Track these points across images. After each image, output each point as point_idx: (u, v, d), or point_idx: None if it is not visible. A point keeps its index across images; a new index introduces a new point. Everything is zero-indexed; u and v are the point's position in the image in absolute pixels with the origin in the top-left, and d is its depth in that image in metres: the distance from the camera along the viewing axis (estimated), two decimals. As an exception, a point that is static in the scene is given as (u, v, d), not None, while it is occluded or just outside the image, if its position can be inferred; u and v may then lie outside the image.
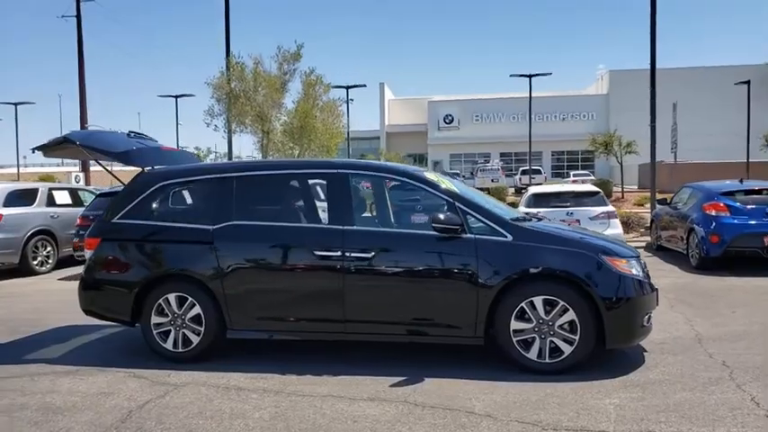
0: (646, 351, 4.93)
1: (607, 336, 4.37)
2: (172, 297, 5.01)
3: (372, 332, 4.78)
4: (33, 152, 6.15)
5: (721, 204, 9.16)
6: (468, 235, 4.57)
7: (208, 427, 3.68)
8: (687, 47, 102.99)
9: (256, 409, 3.95)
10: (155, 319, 5.05)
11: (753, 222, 8.85)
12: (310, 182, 5.35)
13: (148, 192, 5.30)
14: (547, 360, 4.43)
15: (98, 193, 12.18)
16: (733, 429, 3.42)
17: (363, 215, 5.74)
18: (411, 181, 4.99)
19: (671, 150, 15.13)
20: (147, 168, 5.53)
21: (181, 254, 5.08)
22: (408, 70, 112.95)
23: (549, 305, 4.41)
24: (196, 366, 4.86)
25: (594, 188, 10.63)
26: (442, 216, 4.53)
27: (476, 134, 49.13)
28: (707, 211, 9.25)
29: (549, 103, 46.57)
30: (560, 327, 4.41)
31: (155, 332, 5.06)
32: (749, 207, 9.04)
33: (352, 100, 34.99)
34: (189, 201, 5.43)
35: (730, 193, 9.31)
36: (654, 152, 14.10)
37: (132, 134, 6.05)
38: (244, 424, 3.71)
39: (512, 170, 43.02)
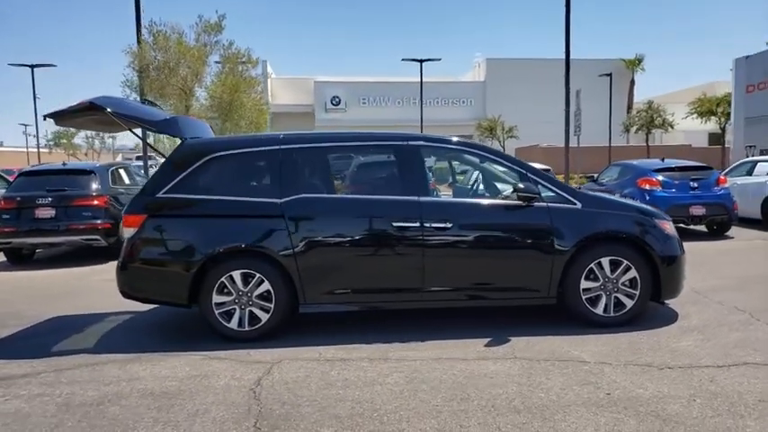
0: (666, 305, 5.60)
1: (663, 290, 4.95)
2: (236, 274, 4.83)
3: (451, 299, 4.97)
4: (45, 119, 5.48)
5: (654, 179, 10.38)
6: (542, 203, 4.91)
7: (353, 396, 3.69)
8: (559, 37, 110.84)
9: (383, 375, 4.01)
10: (216, 299, 4.84)
11: (680, 195, 10.14)
12: (381, 154, 5.35)
13: (198, 164, 5.02)
14: (612, 314, 4.92)
15: (22, 171, 10.90)
16: (799, 357, 4.11)
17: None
18: (486, 154, 5.21)
19: (574, 134, 16.72)
20: (189, 139, 5.22)
21: (246, 229, 4.89)
22: (295, 52, 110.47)
23: (614, 265, 4.90)
24: (263, 344, 4.74)
25: None
26: (522, 185, 4.82)
27: (363, 117, 49.48)
28: (642, 186, 10.42)
29: (431, 89, 48.20)
30: (623, 284, 4.91)
31: (216, 312, 4.85)
32: (676, 182, 10.33)
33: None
34: (244, 173, 5.19)
35: (660, 170, 10.56)
36: (568, 136, 15.41)
37: (146, 102, 5.64)
38: (387, 389, 3.77)
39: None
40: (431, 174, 5.78)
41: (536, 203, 4.89)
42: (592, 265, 4.89)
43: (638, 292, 4.91)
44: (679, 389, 3.59)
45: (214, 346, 4.77)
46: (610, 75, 36.38)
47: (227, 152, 5.10)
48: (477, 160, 5.40)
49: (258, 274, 4.83)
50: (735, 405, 3.33)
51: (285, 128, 47.84)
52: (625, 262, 4.89)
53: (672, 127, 34.31)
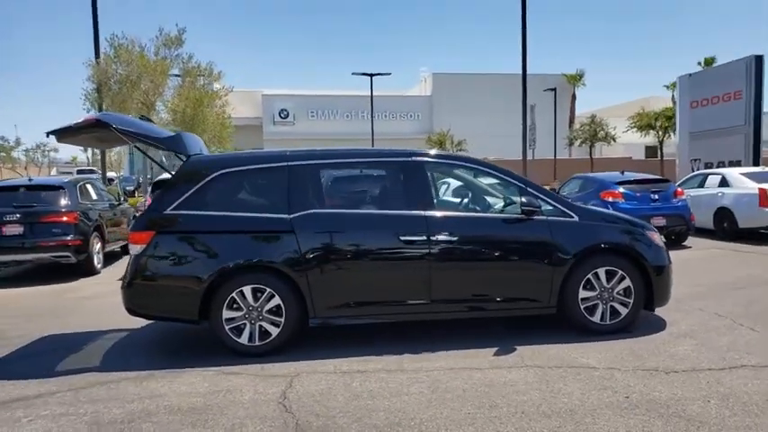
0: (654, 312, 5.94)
1: (655, 298, 5.27)
2: (247, 289, 4.85)
3: (457, 311, 5.14)
4: (48, 136, 5.34)
5: (617, 192, 10.92)
6: (542, 217, 5.15)
7: (384, 406, 3.78)
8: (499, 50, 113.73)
9: (405, 386, 4.12)
10: (226, 314, 4.84)
11: (642, 207, 10.70)
12: (386, 170, 5.46)
13: (206, 180, 5.02)
14: (608, 322, 5.20)
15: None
16: (784, 357, 4.47)
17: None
18: (485, 169, 5.42)
19: (529, 147, 17.32)
20: (194, 155, 5.22)
21: (256, 244, 4.93)
22: (240, 64, 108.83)
23: (610, 275, 5.19)
24: (275, 359, 4.77)
25: None
26: (525, 199, 5.06)
27: (312, 130, 49.43)
28: (605, 198, 10.93)
29: (380, 103, 48.66)
30: (618, 293, 5.20)
31: (227, 327, 4.84)
32: (637, 194, 10.90)
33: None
34: (252, 190, 5.21)
35: (622, 183, 11.12)
36: (525, 149, 15.95)
37: (144, 119, 5.61)
38: (414, 399, 3.88)
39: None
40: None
41: (537, 217, 5.13)
42: (589, 275, 5.15)
43: (632, 301, 5.20)
44: (691, 391, 3.86)
45: (225, 361, 4.76)
46: (554, 90, 37.81)
47: (235, 169, 5.13)
48: (479, 175, 5.60)
49: (268, 289, 4.86)
50: (747, 405, 3.61)
51: (234, 141, 47.38)
52: (620, 272, 5.18)
53: (614, 140, 35.87)
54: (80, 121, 4.99)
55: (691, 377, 4.12)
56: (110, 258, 11.11)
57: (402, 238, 4.97)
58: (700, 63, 50.81)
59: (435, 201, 5.23)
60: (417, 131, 48.22)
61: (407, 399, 3.89)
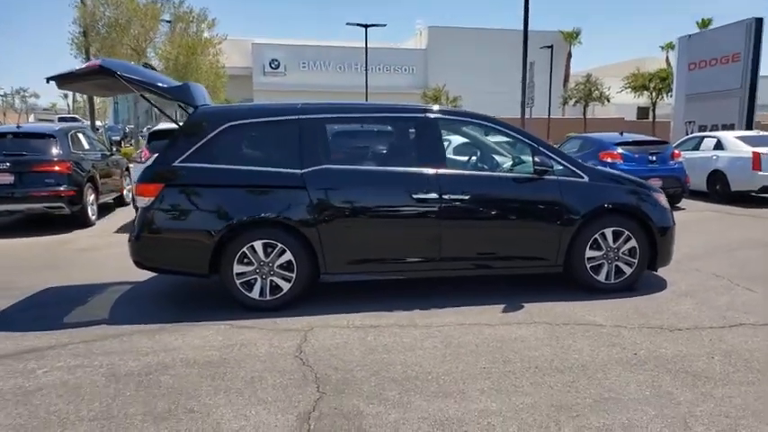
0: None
1: (659, 258, 5.36)
2: (258, 244, 4.85)
3: (466, 268, 5.19)
4: (48, 82, 5.20)
5: (616, 152, 10.95)
6: (553, 177, 5.17)
7: (400, 360, 3.86)
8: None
9: (418, 340, 4.19)
10: (237, 269, 4.85)
11: (640, 168, 10.75)
12: (399, 126, 5.41)
13: (215, 133, 4.95)
14: (612, 281, 5.29)
15: None
16: (784, 317, 4.60)
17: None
18: (498, 127, 5.39)
19: (527, 105, 17.29)
20: (201, 106, 5.12)
21: (268, 199, 4.90)
22: (229, 11, 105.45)
23: (616, 235, 5.25)
24: (286, 313, 4.82)
25: None
26: (537, 159, 5.06)
27: (303, 81, 48.66)
28: (603, 159, 10.95)
29: (373, 55, 47.86)
30: (623, 253, 5.28)
31: (238, 282, 4.86)
32: (636, 155, 10.94)
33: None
34: (263, 143, 5.14)
35: (620, 144, 11.14)
36: (524, 106, 15.84)
37: (147, 66, 5.47)
38: (428, 353, 3.96)
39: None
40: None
41: (548, 177, 5.14)
42: (596, 235, 5.21)
43: (636, 261, 5.29)
44: (695, 348, 3.98)
45: (235, 315, 4.79)
46: (551, 47, 37.39)
47: (245, 121, 5.05)
48: (490, 133, 5.58)
49: (280, 245, 4.86)
50: (749, 362, 3.74)
51: (220, 91, 46.52)
52: (626, 232, 5.25)
53: (608, 100, 35.81)
54: (82, 66, 4.86)
55: (694, 335, 4.24)
56: (103, 210, 11.02)
57: (414, 195, 4.97)
58: (698, 23, 50.32)
59: (447, 159, 5.20)
60: (411, 85, 47.69)
61: (422, 353, 3.97)
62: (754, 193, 11.44)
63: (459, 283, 5.54)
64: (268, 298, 4.91)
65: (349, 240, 4.96)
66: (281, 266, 4.90)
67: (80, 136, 10.82)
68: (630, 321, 4.55)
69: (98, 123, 37.63)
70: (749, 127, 15.74)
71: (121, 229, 9.43)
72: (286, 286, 4.92)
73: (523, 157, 5.32)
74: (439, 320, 4.63)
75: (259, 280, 4.89)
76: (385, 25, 39.60)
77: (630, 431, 2.91)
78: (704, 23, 52.39)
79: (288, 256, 4.88)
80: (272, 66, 49.51)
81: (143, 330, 4.52)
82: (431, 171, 5.02)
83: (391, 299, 5.17)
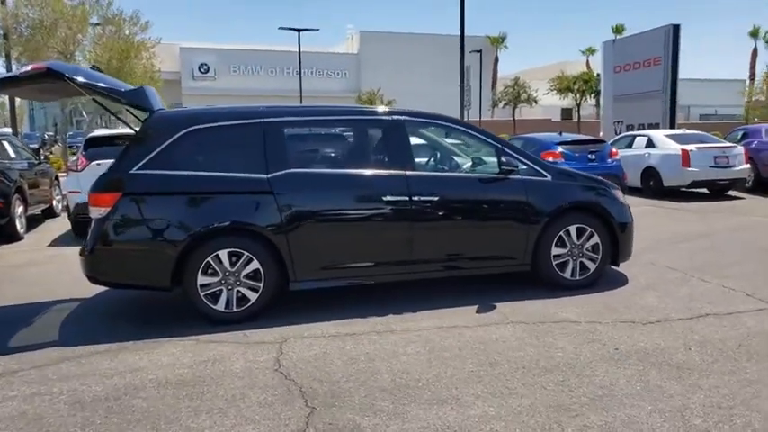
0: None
1: (620, 254, 5.50)
2: (223, 254, 4.61)
3: (437, 270, 5.14)
4: None
5: (557, 152, 11.25)
6: (518, 176, 5.20)
7: (385, 368, 3.74)
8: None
9: (399, 347, 4.09)
10: (201, 280, 4.60)
11: (580, 166, 11.04)
12: (366, 129, 5.28)
13: (174, 138, 4.67)
14: (577, 278, 5.39)
15: None
16: (741, 306, 4.81)
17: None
18: (461, 128, 5.38)
19: (465, 108, 17.54)
20: (159, 110, 4.83)
21: (232, 206, 4.67)
22: (156, 13, 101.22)
23: (580, 232, 5.35)
24: (254, 325, 4.60)
25: None
26: (504, 159, 5.08)
27: (234, 86, 47.58)
28: (545, 158, 11.18)
29: (306, 59, 47.54)
30: (587, 249, 5.39)
31: (202, 294, 4.61)
32: (576, 154, 11.29)
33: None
34: (225, 148, 4.88)
35: (561, 143, 11.46)
36: (462, 110, 16.07)
37: (95, 69, 5.12)
38: (413, 359, 3.87)
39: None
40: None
41: (513, 176, 5.17)
42: (561, 233, 5.29)
43: (599, 257, 5.41)
44: (670, 340, 4.08)
45: (199, 329, 4.53)
46: (480, 51, 38.27)
47: (206, 125, 4.80)
48: (453, 134, 5.56)
49: (246, 253, 4.64)
50: (723, 351, 3.87)
51: (163, 96, 44.67)
52: (589, 229, 5.36)
53: (536, 102, 37.00)
54: (27, 69, 4.48)
55: (665, 327, 4.36)
56: (32, 223, 10.30)
57: (384, 198, 4.87)
58: (612, 28, 53.01)
59: (415, 160, 5.14)
60: (345, 89, 47.59)
61: (406, 359, 3.87)
62: (684, 188, 12.06)
63: (427, 285, 5.47)
64: (235, 310, 4.67)
65: (319, 246, 4.80)
66: (247, 276, 4.68)
67: (5, 144, 10.07)
68: (603, 317, 4.63)
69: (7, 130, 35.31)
70: (672, 126, 16.66)
71: (56, 243, 8.83)
72: (253, 297, 4.70)
73: (487, 158, 5.33)
74: (416, 325, 4.55)
75: (225, 291, 4.65)
76: (318, 29, 39.26)
77: (632, 427, 2.92)
78: (618, 29, 55.35)
79: (255, 264, 4.67)
80: (202, 70, 48.19)
81: (101, 351, 4.19)
82: (400, 172, 4.95)
83: (361, 305, 5.04)
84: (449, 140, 5.86)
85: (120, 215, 4.51)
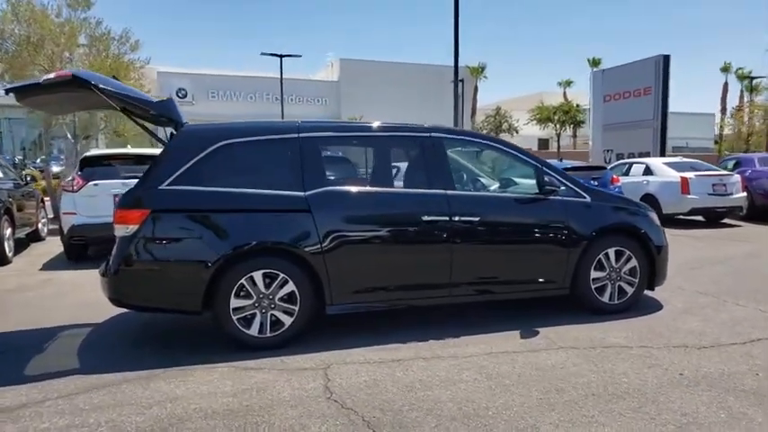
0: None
1: (657, 277, 5.38)
2: (258, 275, 4.36)
3: (475, 293, 4.94)
4: (7, 94, 4.45)
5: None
6: (558, 197, 5.08)
7: (447, 396, 3.51)
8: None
9: (454, 373, 3.87)
10: (234, 303, 4.33)
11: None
12: (405, 146, 5.11)
13: (206, 152, 4.44)
14: (615, 302, 5.24)
15: None
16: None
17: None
18: (501, 147, 5.25)
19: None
20: (189, 124, 4.61)
21: (268, 224, 4.43)
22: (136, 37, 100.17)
23: (618, 255, 5.22)
24: (289, 351, 4.34)
25: None
26: (547, 178, 4.95)
27: (213, 111, 47.01)
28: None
29: (285, 86, 47.57)
30: (625, 273, 5.26)
31: (234, 318, 4.33)
32: (581, 181, 11.25)
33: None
34: (259, 164, 4.66)
35: (566, 170, 11.42)
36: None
37: (115, 79, 4.89)
38: (473, 386, 3.65)
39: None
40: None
41: (554, 197, 5.04)
42: (600, 256, 5.16)
43: (637, 280, 5.28)
44: (733, 365, 3.93)
45: (231, 355, 4.25)
46: (462, 81, 38.69)
47: (239, 140, 4.58)
48: (497, 154, 5.42)
49: (282, 275, 4.40)
50: (793, 375, 3.74)
51: (126, 121, 44.09)
52: (627, 252, 5.23)
53: (517, 132, 37.46)
54: (50, 76, 4.21)
55: (722, 352, 4.22)
56: (17, 246, 9.83)
57: (424, 218, 4.69)
58: (589, 60, 54.35)
59: (454, 179, 4.98)
60: (325, 116, 47.51)
61: (465, 387, 3.65)
62: (682, 215, 12.14)
63: (460, 309, 5.28)
64: (268, 335, 4.40)
65: (357, 267, 4.58)
66: (282, 299, 4.42)
67: (-9, 163, 9.65)
68: (652, 341, 4.47)
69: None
70: (662, 154, 16.90)
71: (48, 267, 8.40)
72: (288, 321, 4.44)
73: (526, 178, 5.21)
74: (461, 350, 4.33)
75: (258, 315, 4.38)
76: (300, 56, 39.69)
77: (736, 457, 2.74)
78: (595, 62, 56.66)
79: (290, 286, 4.42)
80: (179, 95, 47.62)
81: (130, 379, 3.87)
82: (440, 191, 4.78)
83: (397, 329, 4.81)
84: (481, 159, 5.72)
85: (148, 233, 4.23)
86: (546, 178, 4.96)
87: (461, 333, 4.72)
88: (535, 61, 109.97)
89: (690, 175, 11.80)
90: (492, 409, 3.33)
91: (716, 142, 55.61)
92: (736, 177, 12.14)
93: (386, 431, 3.07)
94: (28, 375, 4.02)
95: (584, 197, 5.20)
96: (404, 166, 5.29)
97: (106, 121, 13.98)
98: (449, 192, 4.80)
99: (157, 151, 9.98)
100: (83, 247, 8.83)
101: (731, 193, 11.90)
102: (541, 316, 5.14)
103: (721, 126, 40.87)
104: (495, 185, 5.79)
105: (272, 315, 4.40)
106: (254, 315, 4.37)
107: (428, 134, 4.94)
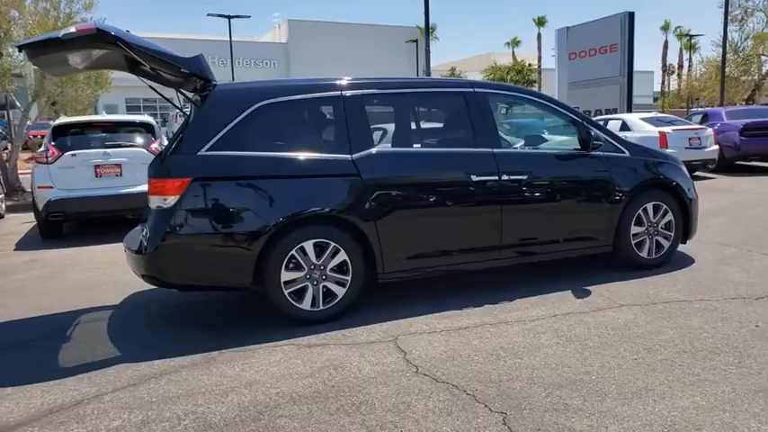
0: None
1: (691, 230, 5.38)
2: (309, 245, 4.06)
3: (524, 254, 4.80)
4: (20, 51, 3.89)
5: (546, 136, 11.18)
6: (601, 153, 4.95)
7: (535, 363, 3.37)
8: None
9: (532, 338, 3.73)
10: (285, 276, 4.03)
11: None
12: (449, 102, 4.81)
13: (245, 114, 4.06)
14: (653, 256, 5.22)
15: None
16: (826, 277, 4.80)
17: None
18: (544, 101, 5.04)
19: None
20: (222, 84, 4.20)
21: (317, 190, 4.12)
22: None
23: (656, 209, 5.18)
24: (347, 324, 4.11)
25: (145, 119, 8.73)
26: (593, 133, 4.80)
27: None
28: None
29: (234, 49, 45.78)
30: (662, 227, 5.22)
31: (286, 291, 4.04)
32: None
33: None
34: (302, 125, 4.30)
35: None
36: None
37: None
38: (560, 350, 3.52)
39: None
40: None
41: (597, 153, 4.91)
42: (639, 211, 5.09)
43: (672, 234, 5.26)
44: (802, 314, 3.96)
45: (283, 332, 3.98)
46: (416, 41, 38.24)
47: (279, 99, 4.20)
48: (539, 109, 5.21)
49: (333, 244, 4.12)
50: None
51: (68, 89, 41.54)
52: (664, 206, 5.19)
53: (472, 92, 37.46)
54: (72, 30, 3.69)
55: (781, 302, 4.24)
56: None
57: (474, 178, 4.47)
58: (534, 20, 54.75)
59: (500, 136, 4.76)
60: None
61: (552, 352, 3.52)
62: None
63: (500, 273, 5.11)
64: (322, 307, 4.14)
65: (409, 233, 4.34)
66: (334, 269, 4.15)
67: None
68: (707, 294, 4.46)
69: None
70: (629, 111, 17.16)
71: (23, 247, 7.76)
72: (341, 292, 4.18)
73: (569, 133, 5.05)
74: (525, 314, 4.20)
75: (310, 287, 4.10)
76: (249, 16, 37.91)
77: None
78: (540, 21, 57.32)
79: (342, 256, 4.15)
80: (120, 60, 45.14)
81: (186, 365, 3.55)
82: (487, 150, 4.56)
83: (446, 296, 4.63)
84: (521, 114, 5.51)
85: (191, 204, 3.85)
86: (592, 133, 4.81)
87: (513, 296, 4.58)
88: (484, 22, 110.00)
89: (667, 129, 12.01)
90: (593, 373, 3.21)
91: (655, 99, 57.48)
92: (709, 131, 12.44)
93: (499, 404, 2.90)
94: (67, 368, 3.64)
95: (624, 152, 5.09)
96: (390, 128, 5.00)
97: (38, 90, 12.79)
98: (495, 150, 4.59)
99: (132, 118, 9.41)
100: (60, 225, 8.20)
101: (705, 147, 12.20)
102: (582, 274, 5.06)
103: (663, 84, 42.00)
104: (520, 142, 5.61)
105: (324, 287, 4.13)
106: (305, 288, 4.09)
107: (472, 89, 4.68)
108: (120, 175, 7.90)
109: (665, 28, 52.57)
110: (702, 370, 3.18)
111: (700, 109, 18.15)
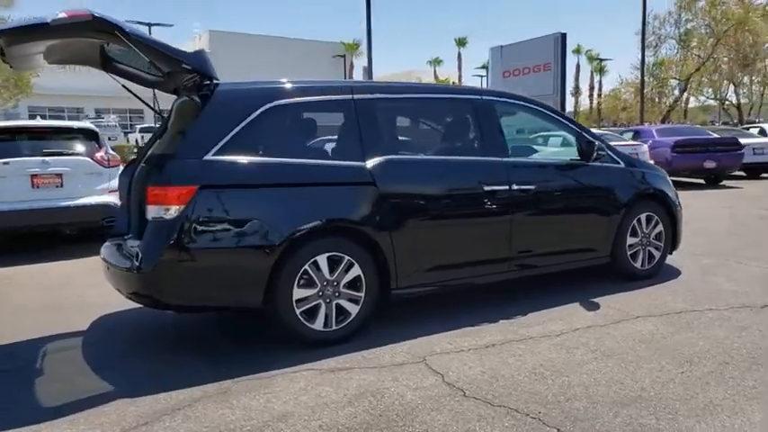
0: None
1: (677, 240, 5.46)
2: (322, 259, 3.72)
3: (530, 265, 4.66)
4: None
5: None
6: (599, 163, 4.93)
7: (582, 380, 3.20)
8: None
9: (565, 354, 3.57)
10: (297, 294, 3.66)
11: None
12: (459, 110, 4.58)
13: (254, 116, 3.68)
14: (646, 267, 5.24)
15: None
16: (808, 285, 5.00)
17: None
18: (546, 111, 4.97)
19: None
20: (224, 83, 3.79)
21: (331, 200, 3.79)
22: None
23: (649, 220, 5.21)
24: (360, 345, 3.78)
25: (87, 125, 8.26)
26: (597, 143, 4.77)
27: (65, 84, 42.29)
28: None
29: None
30: (653, 237, 5.27)
31: (298, 311, 3.67)
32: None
33: None
34: (312, 129, 3.95)
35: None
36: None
37: None
38: (600, 366, 3.37)
39: (127, 128, 39.52)
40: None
41: (597, 163, 4.89)
42: (634, 222, 5.11)
43: (662, 244, 5.32)
44: (811, 321, 4.05)
45: (294, 357, 3.60)
46: (344, 56, 38.24)
47: (289, 101, 3.84)
48: (541, 119, 5.12)
49: (347, 257, 3.79)
50: None
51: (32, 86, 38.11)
52: (656, 217, 5.24)
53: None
54: (62, 15, 3.18)
55: (784, 310, 4.33)
56: None
57: (486, 188, 4.29)
58: (456, 40, 56.36)
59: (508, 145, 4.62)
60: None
61: (594, 367, 3.37)
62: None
63: (501, 287, 4.94)
64: (334, 327, 3.80)
65: (423, 245, 4.09)
66: (346, 285, 3.82)
67: None
68: (711, 304, 4.48)
69: None
70: (562, 128, 17.81)
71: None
72: (354, 310, 3.85)
73: (569, 142, 5.00)
74: (545, 329, 4.04)
75: (323, 305, 3.75)
76: (172, 25, 36.46)
77: None
78: (461, 42, 59.08)
79: (356, 270, 3.83)
80: (26, 65, 42.08)
81: (198, 397, 3.11)
82: (498, 159, 4.41)
83: (453, 312, 4.39)
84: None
85: (197, 214, 3.41)
86: (593, 144, 4.78)
87: (524, 310, 4.42)
88: (405, 41, 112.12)
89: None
90: (649, 389, 3.07)
91: (568, 119, 60.62)
92: (645, 147, 13.04)
93: (569, 427, 2.70)
94: (51, 407, 3.09)
95: (619, 163, 5.10)
96: (402, 135, 4.82)
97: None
98: (504, 159, 4.45)
99: (71, 124, 8.58)
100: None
101: (643, 162, 12.76)
102: (579, 286, 4.99)
103: (576, 104, 44.32)
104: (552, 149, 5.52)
105: (336, 305, 3.79)
106: (317, 306, 3.73)
107: (480, 96, 4.53)
108: (62, 185, 7.13)
109: (577, 51, 55.58)
110: (755, 382, 3.13)
111: (631, 126, 19.07)
